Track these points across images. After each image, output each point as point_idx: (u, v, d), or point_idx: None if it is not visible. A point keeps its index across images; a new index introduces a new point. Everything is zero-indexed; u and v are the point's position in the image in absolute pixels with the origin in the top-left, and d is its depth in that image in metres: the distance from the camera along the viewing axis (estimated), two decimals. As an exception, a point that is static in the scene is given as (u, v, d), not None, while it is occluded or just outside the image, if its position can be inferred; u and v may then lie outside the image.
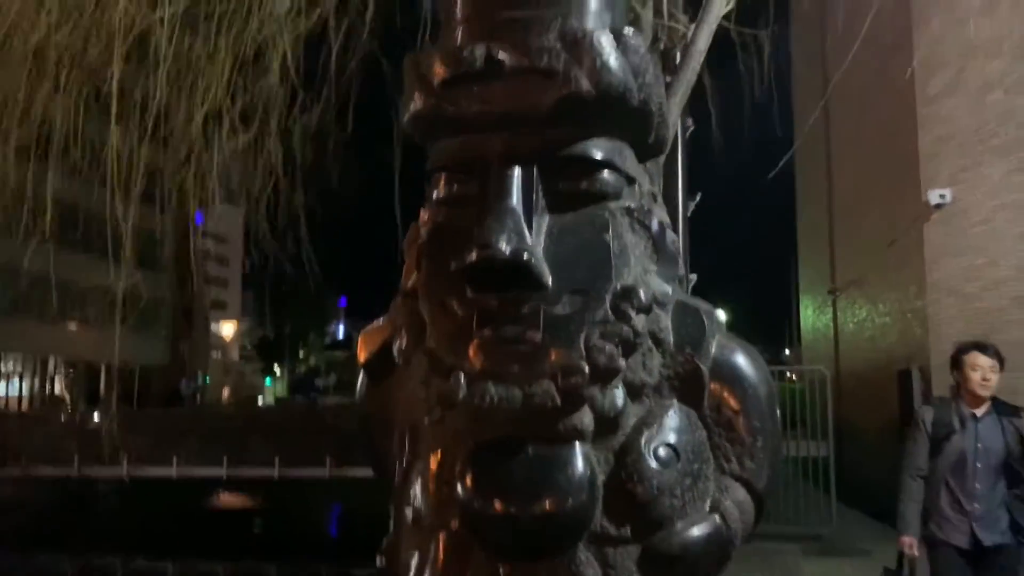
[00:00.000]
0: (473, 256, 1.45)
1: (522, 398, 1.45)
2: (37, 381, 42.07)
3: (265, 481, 28.55)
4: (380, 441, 1.79)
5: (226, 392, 62.47)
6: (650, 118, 1.68)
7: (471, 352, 1.50)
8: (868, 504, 13.51)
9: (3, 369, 39.53)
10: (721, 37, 7.18)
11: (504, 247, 1.45)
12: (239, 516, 30.11)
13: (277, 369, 76.96)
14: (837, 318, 18.57)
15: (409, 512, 1.60)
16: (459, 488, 1.49)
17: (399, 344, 1.63)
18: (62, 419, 32.06)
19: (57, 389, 43.34)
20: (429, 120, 1.65)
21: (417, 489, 1.59)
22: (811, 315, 22.32)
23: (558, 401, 1.45)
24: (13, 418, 32.87)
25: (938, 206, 11.97)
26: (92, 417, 31.82)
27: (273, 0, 6.04)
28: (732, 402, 1.62)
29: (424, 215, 1.74)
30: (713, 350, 1.63)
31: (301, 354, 77.69)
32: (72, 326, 36.98)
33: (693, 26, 6.56)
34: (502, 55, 1.56)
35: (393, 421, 1.74)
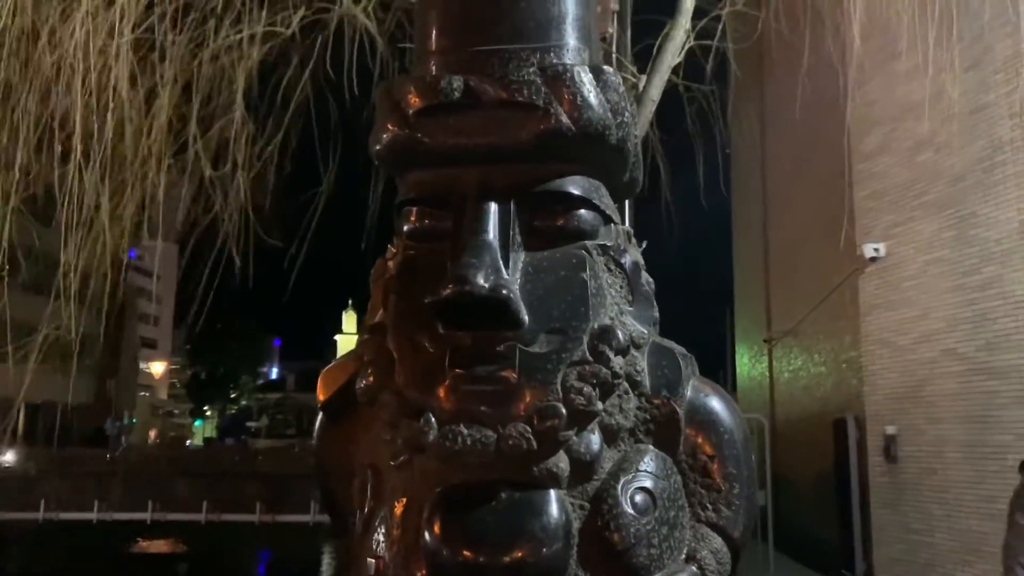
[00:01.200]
0: (448, 291, 1.39)
1: (495, 441, 1.38)
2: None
3: (192, 525, 27.59)
4: (338, 486, 1.70)
5: (153, 433, 60.46)
6: (627, 157, 1.66)
7: (442, 392, 1.43)
8: (804, 552, 13.62)
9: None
10: (668, 91, 7.33)
11: (481, 282, 1.39)
12: (164, 561, 28.95)
13: (208, 410, 74.89)
14: (772, 367, 18.89)
15: (371, 563, 1.51)
16: (426, 535, 1.41)
17: (364, 382, 1.55)
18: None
19: (-28, 428, 41.38)
20: (402, 151, 1.59)
21: (380, 537, 1.50)
22: (747, 363, 22.67)
23: (534, 444, 1.39)
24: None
25: (872, 259, 12.34)
26: (6, 456, 30.43)
27: (226, 30, 5.94)
28: (708, 447, 1.58)
29: (392, 249, 1.68)
30: (688, 393, 1.59)
31: (233, 395, 75.72)
32: (-8, 362, 35.53)
33: (644, 76, 6.66)
34: (480, 86, 1.52)
35: (353, 464, 1.65)
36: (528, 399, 1.41)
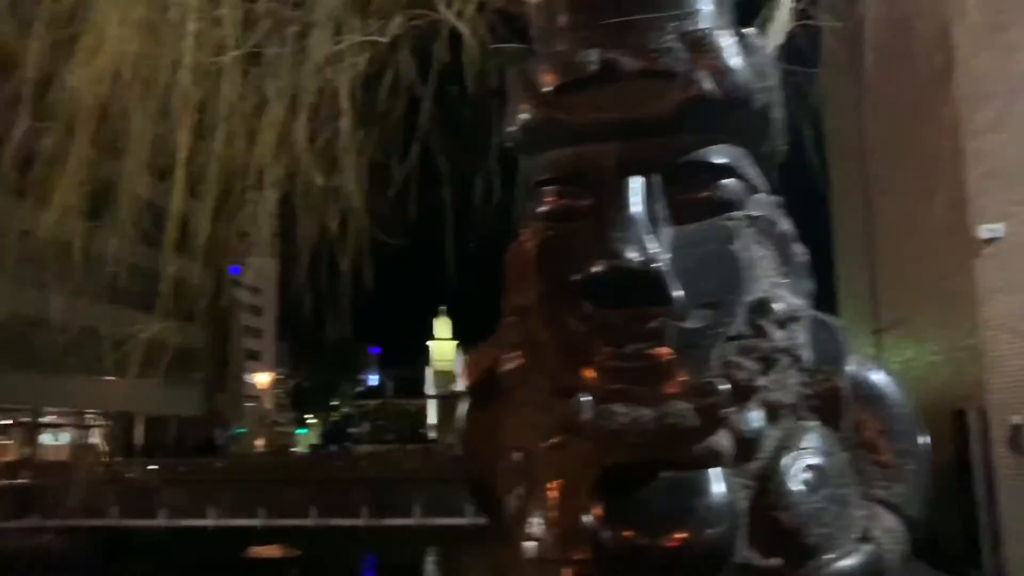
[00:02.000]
0: (600, 267, 1.35)
1: (655, 419, 1.34)
2: (76, 433, 42.37)
3: (301, 530, 28.34)
4: (486, 469, 1.68)
5: (260, 442, 62.52)
6: (770, 124, 1.60)
7: (595, 372, 1.40)
8: (924, 550, 13.02)
9: (45, 421, 39.86)
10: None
11: (633, 256, 1.35)
12: (276, 565, 29.87)
13: (310, 418, 76.96)
14: (882, 358, 18.17)
15: (530, 545, 1.48)
16: (586, 518, 1.38)
17: (510, 366, 1.53)
18: (99, 470, 32.19)
19: (95, 440, 43.62)
20: (539, 130, 1.57)
21: (537, 519, 1.48)
22: (854, 356, 21.85)
23: (696, 422, 1.34)
24: (54, 469, 33.06)
25: (989, 241, 11.71)
26: (129, 468, 31.94)
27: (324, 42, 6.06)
28: (876, 423, 1.50)
29: (527, 232, 1.65)
30: (851, 367, 1.51)
31: (334, 403, 77.66)
32: (110, 378, 37.37)
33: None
34: (618, 58, 1.48)
35: (501, 448, 1.63)
36: (686, 376, 1.36)
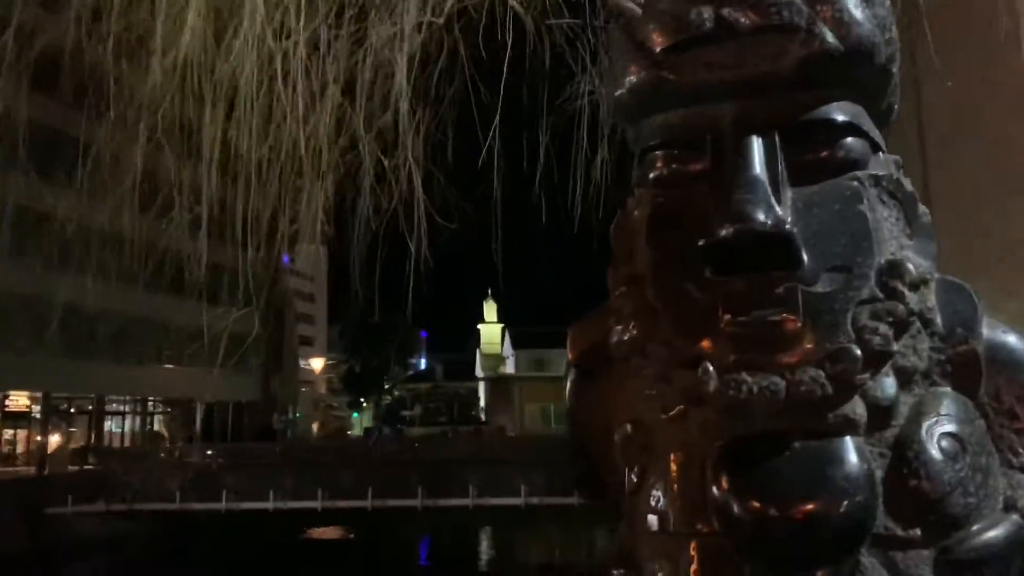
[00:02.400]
0: (727, 230, 1.30)
1: (785, 388, 1.29)
2: (139, 420, 43.51)
3: (359, 512, 28.77)
4: (595, 443, 1.65)
5: (316, 425, 63.51)
6: (891, 78, 1.53)
7: (719, 340, 1.35)
8: None
9: (109, 409, 41.00)
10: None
11: (762, 218, 1.30)
12: (336, 546, 30.41)
13: (364, 402, 77.83)
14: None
15: (652, 519, 1.45)
16: (713, 489, 1.33)
17: (622, 336, 1.49)
18: (162, 455, 33.02)
19: (157, 426, 44.76)
20: (649, 92, 1.52)
21: (658, 492, 1.44)
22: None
23: (828, 389, 1.29)
24: (118, 455, 34.01)
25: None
26: (191, 452, 32.70)
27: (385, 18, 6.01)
28: (1014, 388, 1.43)
29: (635, 200, 1.61)
30: (985, 331, 1.44)
31: (386, 387, 78.40)
32: (169, 366, 38.20)
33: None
34: (733, 14, 1.42)
35: (611, 421, 1.59)
36: (816, 342, 1.31)
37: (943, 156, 16.38)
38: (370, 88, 6.21)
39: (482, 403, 77.70)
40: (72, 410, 38.09)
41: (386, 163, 6.58)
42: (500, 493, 28.15)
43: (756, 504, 1.29)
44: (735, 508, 1.31)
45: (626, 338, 1.48)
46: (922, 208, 1.52)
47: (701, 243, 1.34)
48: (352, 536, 31.41)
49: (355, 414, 76.88)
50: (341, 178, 7.68)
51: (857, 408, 1.31)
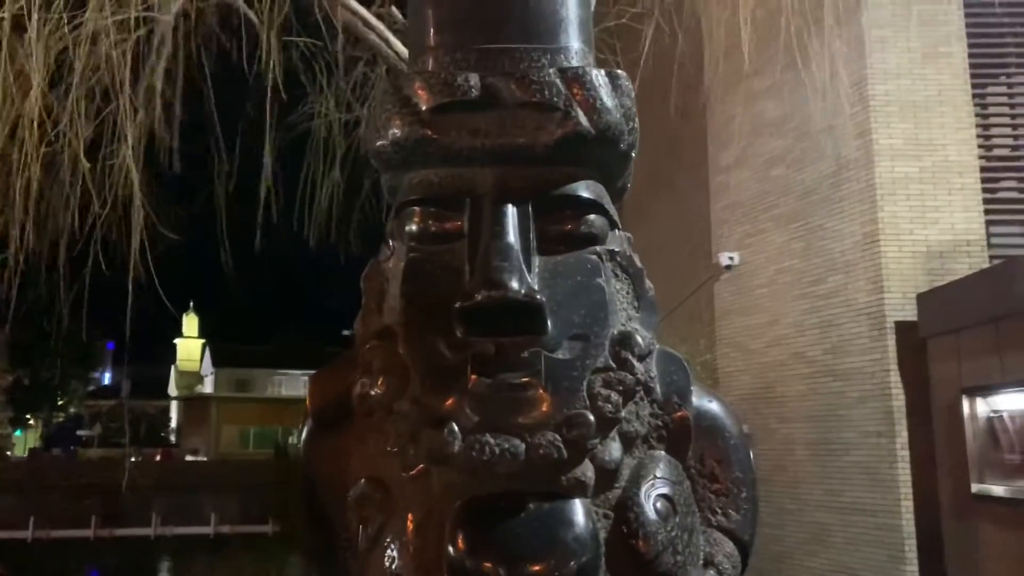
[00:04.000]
0: (484, 295, 1.34)
1: (525, 450, 1.35)
2: None
3: (15, 543, 25.54)
4: (329, 500, 1.60)
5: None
6: (629, 162, 1.67)
7: (466, 400, 1.38)
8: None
9: None
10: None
11: (516, 286, 1.35)
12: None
13: (31, 419, 69.45)
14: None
15: (389, 578, 1.43)
16: (449, 549, 1.35)
17: (368, 391, 1.47)
18: None
19: None
20: (412, 147, 1.52)
21: (393, 552, 1.43)
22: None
23: (564, 453, 1.36)
24: None
25: (727, 267, 12.99)
26: None
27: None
28: (715, 452, 1.60)
29: (390, 250, 1.60)
30: (694, 399, 1.61)
31: (61, 402, 70.58)
32: None
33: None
34: (500, 85, 1.49)
35: (348, 477, 1.56)
36: (556, 407, 1.38)
37: (640, 205, 18.16)
38: (81, 79, 5.62)
39: (174, 423, 72.61)
40: None
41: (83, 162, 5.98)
42: (188, 521, 26.39)
43: (488, 564, 1.33)
44: (470, 566, 1.33)
45: (373, 393, 1.46)
46: (648, 283, 1.66)
47: (457, 305, 1.36)
48: (4, 573, 27.72)
49: (18, 431, 68.28)
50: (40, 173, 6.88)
51: (588, 471, 1.40)
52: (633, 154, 1.65)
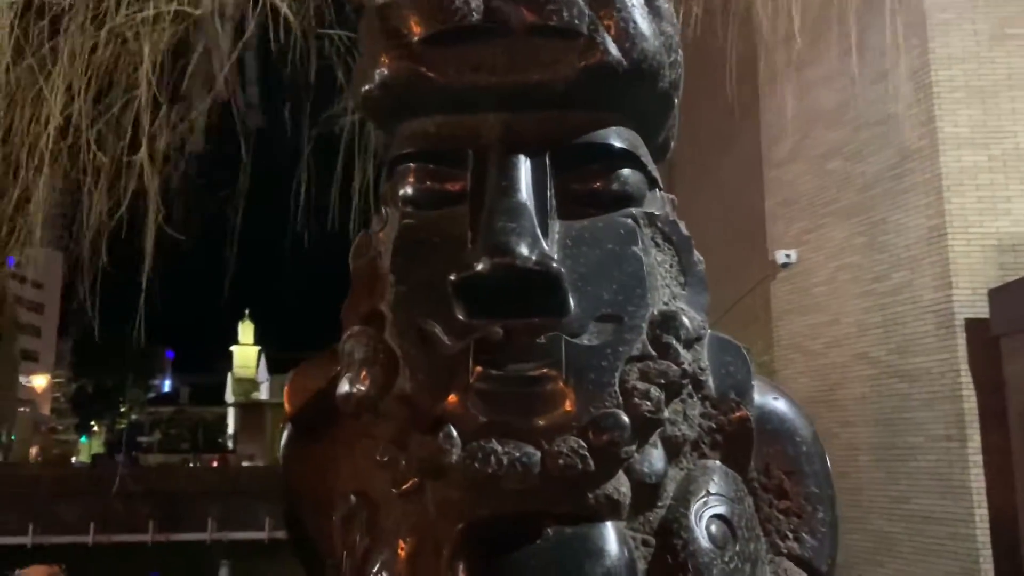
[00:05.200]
0: (486, 264, 1.06)
1: (540, 460, 1.06)
2: None
3: (77, 548, 26.02)
4: (311, 519, 1.34)
5: (34, 450, 57.02)
6: (671, 108, 1.37)
7: (468, 398, 1.10)
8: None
9: None
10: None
11: (526, 252, 1.06)
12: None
13: (95, 425, 71.07)
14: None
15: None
16: None
17: (353, 388, 1.19)
18: None
19: None
20: (403, 89, 1.24)
21: None
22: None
23: (590, 464, 1.07)
24: None
25: (784, 265, 12.49)
26: None
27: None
28: (784, 462, 1.29)
29: (380, 220, 1.33)
30: (756, 397, 1.30)
31: (122, 409, 72.09)
32: None
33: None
34: (507, 6, 1.19)
35: (334, 492, 1.29)
36: (580, 405, 1.09)
37: (688, 203, 17.66)
38: (108, 76, 5.50)
39: (231, 430, 73.69)
40: None
41: (119, 161, 5.86)
42: (243, 527, 26.57)
43: None
44: None
45: (355, 390, 1.18)
46: (697, 255, 1.36)
47: (453, 278, 1.08)
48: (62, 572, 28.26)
49: (83, 439, 69.94)
50: (73, 177, 6.80)
51: (621, 486, 1.10)
52: (676, 98, 1.35)
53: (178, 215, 6.70)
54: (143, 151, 5.69)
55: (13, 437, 53.10)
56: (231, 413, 74.80)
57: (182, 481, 32.97)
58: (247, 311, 77.75)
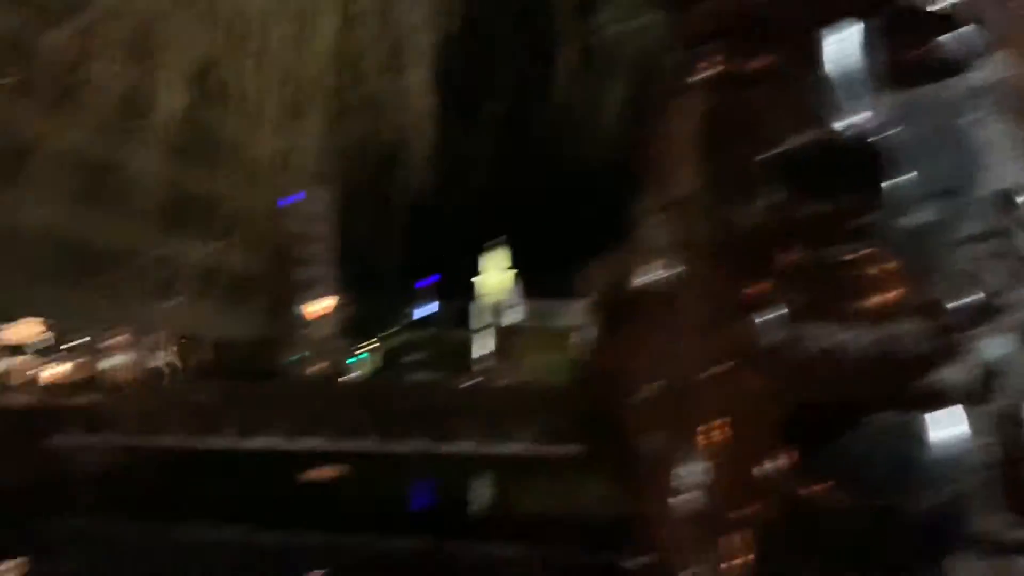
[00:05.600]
0: (802, 140, 1.00)
1: (870, 344, 1.00)
2: (141, 354, 43.69)
3: (362, 455, 28.91)
4: (614, 400, 1.37)
5: (321, 367, 63.76)
6: None
7: (783, 281, 1.06)
8: None
9: (109, 343, 41.11)
10: None
11: (844, 128, 1.00)
12: (336, 489, 30.61)
13: (369, 344, 77.83)
14: None
15: (684, 498, 1.17)
16: (769, 470, 1.05)
17: (661, 273, 1.19)
18: (163, 392, 33.20)
19: (159, 362, 44.93)
20: None
21: (691, 468, 1.16)
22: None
23: (924, 348, 1.00)
24: (118, 390, 34.14)
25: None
26: (192, 390, 32.85)
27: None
28: None
29: (675, 107, 1.30)
30: None
31: (391, 331, 78.33)
32: (173, 302, 38.19)
33: None
34: None
35: (637, 376, 1.31)
36: (912, 288, 1.02)
37: None
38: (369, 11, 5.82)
39: (487, 351, 77.74)
40: (73, 342, 38.25)
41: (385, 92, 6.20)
42: (504, 441, 28.19)
43: (831, 490, 1.02)
44: (803, 494, 1.03)
45: (659, 278, 1.19)
46: None
47: (765, 156, 1.04)
48: (354, 478, 31.56)
49: (364, 355, 77.06)
50: (343, 113, 7.31)
51: (958, 373, 1.02)
52: None
53: (443, 145, 7.01)
54: (410, 78, 6.00)
55: (303, 355, 59.75)
56: (486, 335, 78.80)
57: (445, 398, 35.47)
58: (500, 236, 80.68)
